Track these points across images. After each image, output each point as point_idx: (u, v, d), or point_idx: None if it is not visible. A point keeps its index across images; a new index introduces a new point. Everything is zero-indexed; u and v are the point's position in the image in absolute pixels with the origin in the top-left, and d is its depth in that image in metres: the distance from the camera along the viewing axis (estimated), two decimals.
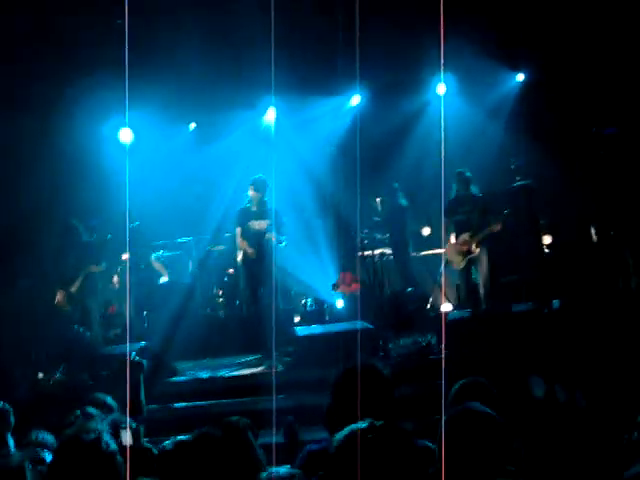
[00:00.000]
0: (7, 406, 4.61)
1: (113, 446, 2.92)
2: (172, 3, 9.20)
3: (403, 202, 10.36)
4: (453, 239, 8.65)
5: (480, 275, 8.39)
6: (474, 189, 8.76)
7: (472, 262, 8.48)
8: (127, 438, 3.69)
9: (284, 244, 8.32)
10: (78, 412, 4.32)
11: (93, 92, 9.29)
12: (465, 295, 8.65)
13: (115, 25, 8.05)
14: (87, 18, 9.01)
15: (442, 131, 7.77)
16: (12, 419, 4.59)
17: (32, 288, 9.45)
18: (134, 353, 4.45)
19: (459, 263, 8.56)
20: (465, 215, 8.62)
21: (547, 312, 7.32)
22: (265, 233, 8.26)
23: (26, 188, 9.71)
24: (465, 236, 8.53)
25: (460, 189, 8.73)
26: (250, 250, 8.31)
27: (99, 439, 2.95)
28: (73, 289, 8.98)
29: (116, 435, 3.53)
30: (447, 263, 8.76)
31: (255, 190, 8.33)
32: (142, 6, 5.97)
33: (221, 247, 10.65)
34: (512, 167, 10.31)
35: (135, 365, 4.15)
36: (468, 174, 8.78)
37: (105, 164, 10.03)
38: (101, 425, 3.14)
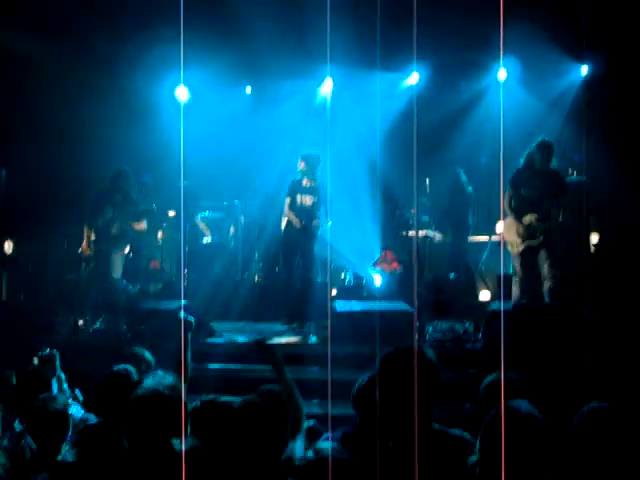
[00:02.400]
0: (54, 351, 4.71)
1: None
2: None
3: (469, 189, 10.18)
4: (511, 219, 7.78)
5: (541, 266, 7.61)
6: (555, 164, 7.79)
7: (531, 250, 7.67)
8: None
9: (329, 224, 8.31)
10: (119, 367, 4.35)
11: (154, 49, 9.34)
12: (523, 285, 7.78)
13: None
14: None
15: (501, 118, 7.66)
16: (58, 364, 4.70)
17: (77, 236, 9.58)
18: (183, 313, 4.47)
19: (516, 246, 7.74)
20: (537, 191, 7.68)
21: (588, 314, 7.19)
22: (311, 209, 8.26)
23: (84, 140, 9.85)
24: (531, 217, 7.63)
25: (538, 160, 7.70)
26: (296, 220, 8.33)
27: (179, 397, 3.04)
28: (94, 237, 8.86)
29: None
30: (504, 244, 7.89)
31: (306, 165, 8.31)
32: None
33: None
34: (569, 162, 10.13)
35: (184, 323, 4.19)
36: (552, 143, 7.80)
37: (162, 121, 10.12)
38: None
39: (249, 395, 3.48)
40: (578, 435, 2.75)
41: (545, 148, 7.67)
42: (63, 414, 3.96)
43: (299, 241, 8.38)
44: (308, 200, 8.29)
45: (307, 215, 8.30)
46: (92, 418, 4.12)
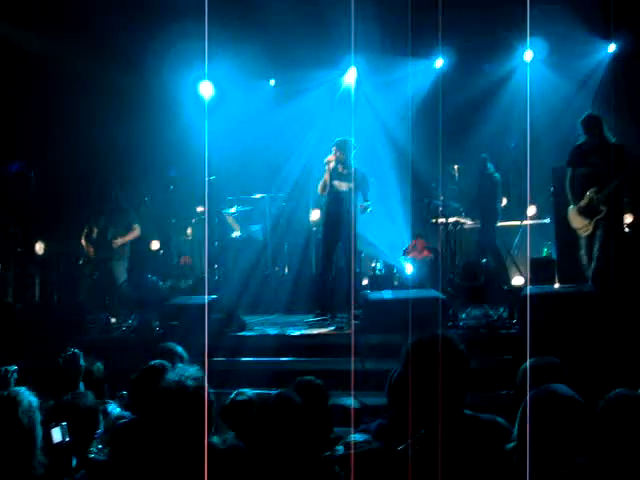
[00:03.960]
0: (77, 351, 4.72)
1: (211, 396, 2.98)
2: None
3: (497, 175, 10.03)
4: (572, 205, 7.47)
5: (593, 244, 7.27)
6: (609, 135, 7.39)
7: (600, 224, 7.22)
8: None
9: (370, 209, 8.19)
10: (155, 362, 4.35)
11: (178, 44, 9.36)
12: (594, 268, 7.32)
13: None
14: None
15: (528, 100, 7.49)
16: (82, 363, 4.70)
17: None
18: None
19: (585, 228, 7.35)
20: (593, 167, 7.34)
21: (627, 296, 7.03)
22: (347, 195, 8.13)
23: (109, 138, 9.91)
24: (590, 193, 7.23)
25: (589, 134, 7.37)
26: (343, 184, 8.14)
27: (202, 387, 3.00)
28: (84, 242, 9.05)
29: None
30: (574, 230, 7.53)
31: (340, 151, 8.19)
32: None
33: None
34: None
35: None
36: (596, 116, 7.50)
37: (186, 117, 10.14)
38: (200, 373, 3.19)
39: (284, 389, 3.44)
40: (603, 420, 2.67)
41: (590, 122, 7.38)
42: (93, 410, 3.95)
43: (335, 232, 8.25)
44: (344, 186, 8.18)
45: (343, 202, 8.18)
46: (128, 416, 4.12)
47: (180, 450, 3.00)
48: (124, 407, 4.40)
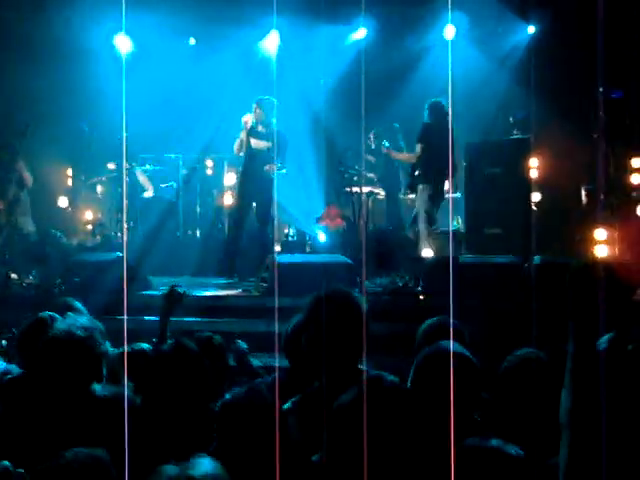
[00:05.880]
0: None
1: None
2: None
3: (402, 144, 10.15)
4: None
5: None
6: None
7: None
8: None
9: (284, 171, 8.11)
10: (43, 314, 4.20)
11: None
12: None
13: None
14: None
15: (450, 74, 7.53)
16: None
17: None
18: (183, 288, 4.28)
19: None
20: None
21: (527, 267, 7.26)
22: (266, 154, 8.02)
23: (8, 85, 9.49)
24: None
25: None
26: (262, 144, 8.05)
27: (92, 336, 2.90)
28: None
29: None
30: None
31: (260, 109, 8.07)
32: None
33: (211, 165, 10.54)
34: (511, 120, 10.13)
35: (175, 295, 3.99)
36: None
37: (100, 70, 9.81)
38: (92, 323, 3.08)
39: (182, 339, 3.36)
40: (505, 379, 2.72)
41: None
42: None
43: (255, 190, 8.14)
44: (262, 145, 8.08)
45: (260, 162, 8.07)
46: (14, 370, 3.95)
47: (65, 401, 2.91)
48: (4, 358, 4.23)
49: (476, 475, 2.16)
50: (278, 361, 3.67)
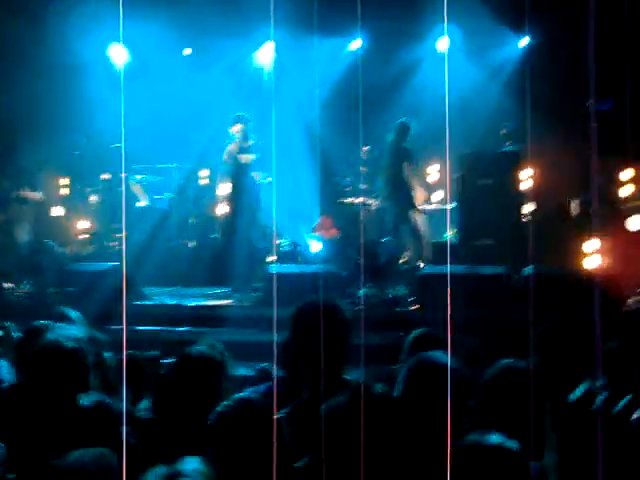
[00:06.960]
0: None
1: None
2: None
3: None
4: None
5: None
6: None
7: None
8: None
9: (268, 180, 8.24)
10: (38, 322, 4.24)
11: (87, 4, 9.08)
12: None
13: None
14: None
15: (446, 85, 7.60)
16: None
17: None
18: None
19: None
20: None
21: (518, 279, 7.32)
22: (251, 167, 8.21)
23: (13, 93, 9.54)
24: None
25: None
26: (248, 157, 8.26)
27: (80, 348, 2.93)
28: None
29: None
30: None
31: (241, 125, 8.27)
32: None
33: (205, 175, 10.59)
34: (504, 132, 10.19)
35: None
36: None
37: (96, 81, 9.86)
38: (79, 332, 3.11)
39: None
40: (487, 388, 2.77)
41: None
42: None
43: (245, 202, 8.28)
44: (248, 158, 8.27)
45: (247, 174, 8.25)
46: (8, 379, 3.99)
47: (52, 411, 2.93)
48: None
49: (476, 472, 2.17)
50: (275, 370, 3.72)
